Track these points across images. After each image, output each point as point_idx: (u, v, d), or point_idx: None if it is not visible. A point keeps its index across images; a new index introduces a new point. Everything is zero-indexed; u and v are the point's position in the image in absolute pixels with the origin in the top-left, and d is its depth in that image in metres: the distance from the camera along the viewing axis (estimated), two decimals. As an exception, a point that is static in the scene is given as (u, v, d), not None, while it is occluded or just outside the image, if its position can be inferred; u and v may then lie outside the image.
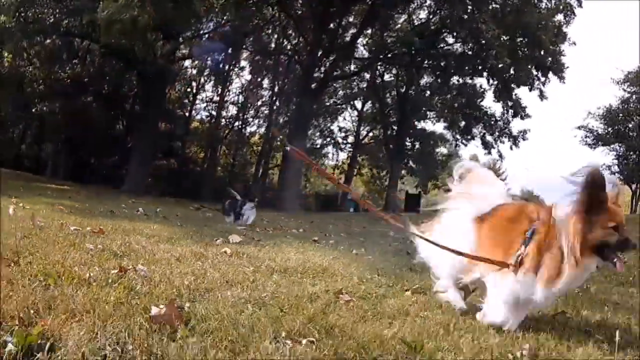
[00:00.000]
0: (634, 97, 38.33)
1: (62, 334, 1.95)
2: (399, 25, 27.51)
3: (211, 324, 2.29)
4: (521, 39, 24.09)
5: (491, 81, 26.31)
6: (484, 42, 21.39)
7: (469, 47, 23.58)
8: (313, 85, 23.01)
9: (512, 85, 26.28)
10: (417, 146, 30.89)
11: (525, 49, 24.23)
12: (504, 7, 22.68)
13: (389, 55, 26.19)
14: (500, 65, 22.69)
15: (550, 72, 26.00)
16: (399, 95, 29.10)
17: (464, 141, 30.69)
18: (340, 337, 2.36)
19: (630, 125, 39.03)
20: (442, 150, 34.67)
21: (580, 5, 26.70)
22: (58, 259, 3.22)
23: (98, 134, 25.88)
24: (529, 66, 25.13)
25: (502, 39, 22.14)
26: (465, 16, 21.47)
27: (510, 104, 27.25)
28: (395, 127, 29.73)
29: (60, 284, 2.64)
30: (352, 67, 27.41)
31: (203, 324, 2.28)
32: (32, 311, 2.15)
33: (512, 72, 24.79)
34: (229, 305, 2.65)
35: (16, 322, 2.01)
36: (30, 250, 3.40)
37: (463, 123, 30.11)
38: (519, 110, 27.49)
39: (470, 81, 28.06)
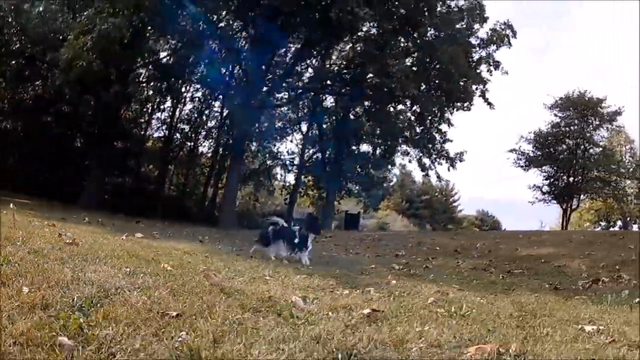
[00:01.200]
0: (562, 122, 43.30)
1: None
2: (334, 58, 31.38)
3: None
4: (434, 72, 27.92)
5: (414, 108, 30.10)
6: (391, 75, 24.61)
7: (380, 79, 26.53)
8: (244, 114, 26.13)
9: (425, 113, 29.97)
10: (355, 168, 33.57)
11: (436, 80, 28.12)
12: (415, 44, 26.97)
13: (325, 84, 29.87)
14: (410, 95, 26.23)
15: (458, 102, 29.94)
16: (337, 120, 32.59)
17: (403, 162, 34.48)
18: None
19: (560, 148, 43.57)
20: (379, 172, 37.61)
21: (514, 37, 30.69)
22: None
23: (56, 151, 28.52)
24: (438, 96, 29.11)
25: (410, 71, 25.65)
26: (377, 52, 25.24)
27: (422, 129, 31.11)
28: (332, 151, 32.89)
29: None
30: (289, 94, 30.86)
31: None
32: None
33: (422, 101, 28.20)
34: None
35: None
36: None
37: (403, 147, 33.20)
38: (433, 136, 31.49)
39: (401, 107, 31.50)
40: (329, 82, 29.59)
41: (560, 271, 9.99)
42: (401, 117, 30.60)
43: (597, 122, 43.97)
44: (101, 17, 19.61)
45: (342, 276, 7.04)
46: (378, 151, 32.97)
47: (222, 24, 26.56)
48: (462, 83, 28.16)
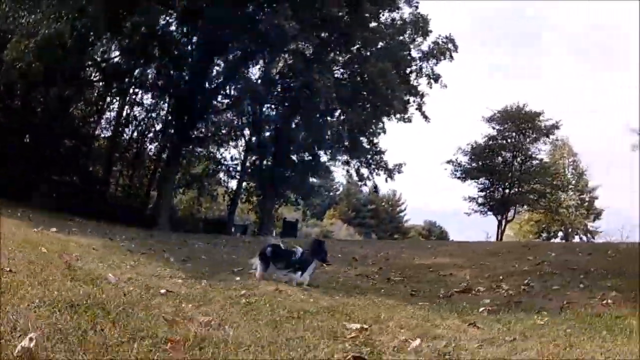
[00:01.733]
0: (499, 135, 45.42)
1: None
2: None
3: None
4: (361, 85, 29.27)
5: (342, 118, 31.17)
6: (315, 89, 25.65)
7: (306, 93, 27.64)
8: (186, 118, 27.47)
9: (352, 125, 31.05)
10: (292, 177, 33.95)
11: (364, 93, 29.49)
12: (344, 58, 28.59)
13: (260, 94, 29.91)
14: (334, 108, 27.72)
15: (386, 115, 31.66)
16: (276, 128, 33.36)
17: (344, 173, 35.84)
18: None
19: (496, 160, 45.56)
20: (317, 180, 39.29)
21: (455, 51, 32.60)
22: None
23: (4, 147, 27.21)
24: (366, 108, 30.56)
25: (334, 86, 26.30)
26: (303, 66, 26.61)
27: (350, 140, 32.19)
28: (271, 158, 33.78)
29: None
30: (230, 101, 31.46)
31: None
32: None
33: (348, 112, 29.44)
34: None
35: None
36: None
37: (345, 157, 34.18)
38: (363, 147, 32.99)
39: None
40: (262, 91, 30.02)
41: (441, 280, 10.68)
42: (332, 127, 31.45)
43: (535, 136, 46.04)
44: (46, 22, 20.55)
45: (204, 272, 8.96)
46: (310, 160, 33.91)
47: (167, 29, 27.26)
48: (390, 96, 29.27)
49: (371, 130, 32.91)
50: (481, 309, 6.98)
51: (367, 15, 27.23)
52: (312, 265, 8.82)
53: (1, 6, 23.94)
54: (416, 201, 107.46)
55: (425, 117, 33.21)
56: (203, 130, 32.55)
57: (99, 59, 29.10)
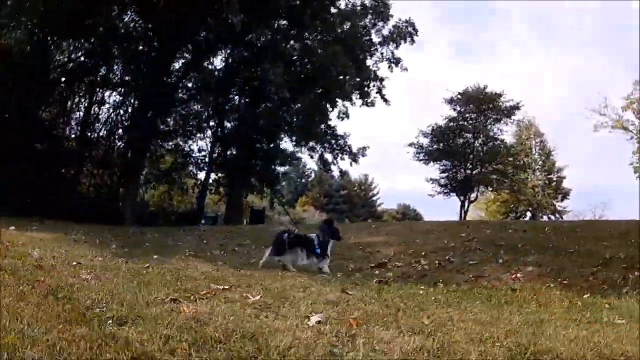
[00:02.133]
0: (460, 116, 46.76)
1: None
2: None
3: None
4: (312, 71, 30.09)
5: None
6: (266, 78, 26.72)
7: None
8: (150, 113, 28.32)
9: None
10: (257, 164, 34.76)
11: (314, 77, 30.02)
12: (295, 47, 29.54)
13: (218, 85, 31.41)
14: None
15: (340, 99, 32.71)
16: (239, 118, 34.05)
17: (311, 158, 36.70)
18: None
19: (457, 142, 46.81)
20: (284, 168, 39.83)
21: (416, 34, 33.82)
22: None
23: None
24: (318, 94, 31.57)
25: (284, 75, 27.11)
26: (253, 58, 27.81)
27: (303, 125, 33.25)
28: (236, 148, 34.47)
29: None
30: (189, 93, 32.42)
31: None
32: None
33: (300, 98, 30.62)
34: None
35: None
36: None
37: (311, 144, 34.97)
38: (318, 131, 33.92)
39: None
40: (222, 83, 31.51)
41: (365, 257, 11.06)
42: (286, 114, 32.64)
43: (496, 116, 47.37)
44: (6, 31, 21.43)
45: (131, 254, 9.90)
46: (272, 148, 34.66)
47: (126, 27, 28.02)
48: (341, 81, 30.25)
49: (327, 114, 33.72)
50: (374, 280, 7.78)
51: (319, 4, 27.98)
52: (329, 247, 9.05)
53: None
54: (390, 185, 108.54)
55: (386, 101, 34.27)
56: (172, 123, 33.57)
57: (65, 59, 29.79)
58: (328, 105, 33.26)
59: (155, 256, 9.51)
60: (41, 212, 22.69)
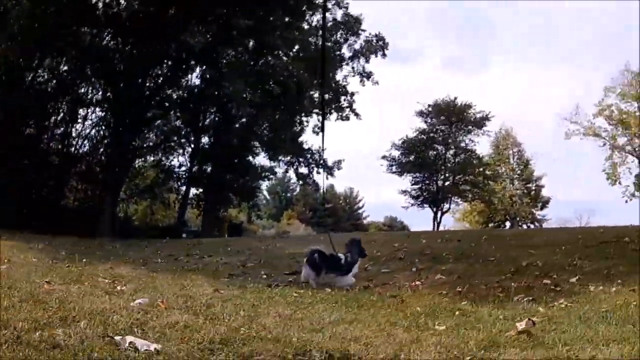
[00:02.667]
0: (430, 128, 47.90)
1: None
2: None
3: None
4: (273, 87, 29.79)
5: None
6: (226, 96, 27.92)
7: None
8: (124, 129, 29.19)
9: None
10: (232, 179, 35.50)
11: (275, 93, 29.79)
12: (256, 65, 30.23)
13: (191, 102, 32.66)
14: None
15: (304, 114, 33.87)
16: (215, 134, 35.03)
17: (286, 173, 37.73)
18: None
19: (428, 154, 47.78)
20: (263, 182, 41.31)
21: (386, 48, 35.33)
22: None
23: None
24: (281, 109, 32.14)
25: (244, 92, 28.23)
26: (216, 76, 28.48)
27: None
28: (213, 164, 35.23)
29: None
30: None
31: None
32: None
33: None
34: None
35: None
36: None
37: (287, 158, 36.05)
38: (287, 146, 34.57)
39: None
40: (195, 99, 32.74)
41: (291, 265, 10.92)
42: (252, 130, 33.56)
43: (468, 128, 48.51)
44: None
45: (83, 261, 10.13)
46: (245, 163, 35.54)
47: (99, 47, 28.63)
48: (300, 97, 31.10)
49: (295, 130, 34.75)
50: (260, 284, 8.16)
51: (278, 23, 28.44)
52: (357, 264, 9.10)
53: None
54: (378, 198, 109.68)
55: (357, 115, 35.95)
56: (153, 139, 34.93)
57: (50, 76, 30.88)
58: (297, 121, 34.52)
59: (84, 259, 10.30)
60: (25, 225, 23.12)
